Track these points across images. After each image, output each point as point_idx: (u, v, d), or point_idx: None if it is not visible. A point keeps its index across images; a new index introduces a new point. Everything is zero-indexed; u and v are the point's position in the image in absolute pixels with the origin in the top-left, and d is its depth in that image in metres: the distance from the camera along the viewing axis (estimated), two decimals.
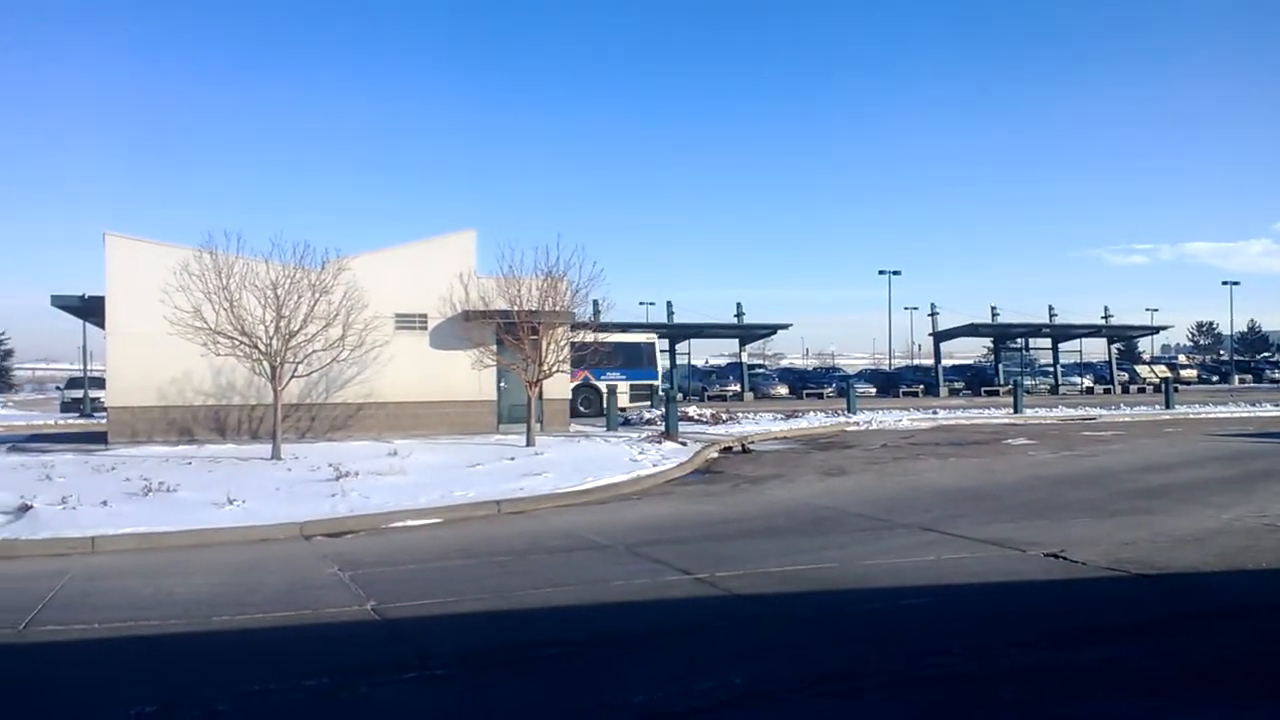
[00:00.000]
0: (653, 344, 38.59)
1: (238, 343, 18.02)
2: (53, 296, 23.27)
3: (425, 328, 23.12)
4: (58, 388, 62.25)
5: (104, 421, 25.01)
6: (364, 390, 22.28)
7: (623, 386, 36.01)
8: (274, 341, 18.04)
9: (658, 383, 38.22)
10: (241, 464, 16.81)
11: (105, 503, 12.35)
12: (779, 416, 30.63)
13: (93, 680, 6.15)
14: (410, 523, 12.31)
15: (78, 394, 45.03)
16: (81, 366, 49.99)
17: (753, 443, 23.18)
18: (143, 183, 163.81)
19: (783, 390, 52.15)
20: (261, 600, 8.15)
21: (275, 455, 17.50)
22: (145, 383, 20.80)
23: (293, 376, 18.82)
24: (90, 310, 24.16)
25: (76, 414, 41.23)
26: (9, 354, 77.89)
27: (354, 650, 6.63)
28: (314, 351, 18.73)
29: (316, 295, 18.73)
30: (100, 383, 43.88)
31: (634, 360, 37.49)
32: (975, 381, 54.86)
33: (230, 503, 12.53)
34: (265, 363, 18.15)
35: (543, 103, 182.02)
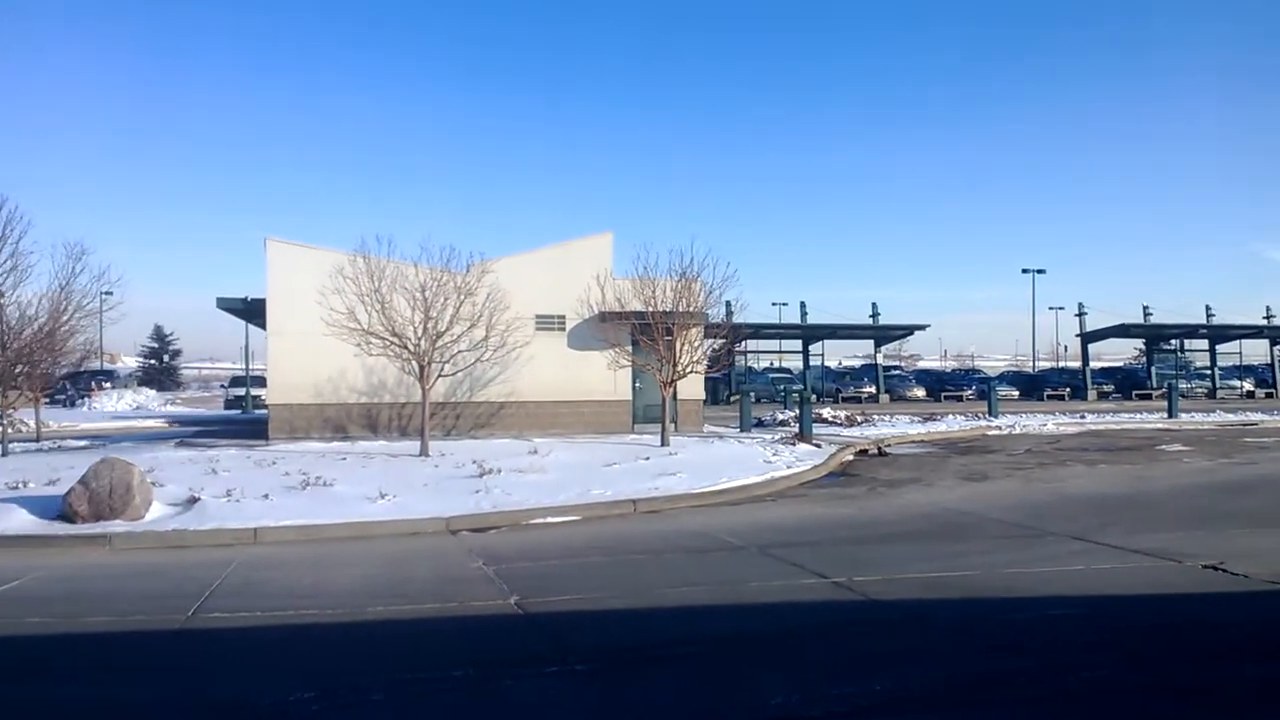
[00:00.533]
0: None
1: (389, 343, 18.69)
2: (218, 299, 24.67)
3: (563, 329, 23.51)
4: (222, 385, 65.69)
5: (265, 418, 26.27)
6: (505, 389, 22.79)
7: None
8: (422, 342, 18.63)
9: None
10: (392, 460, 17.42)
11: (267, 496, 12.99)
12: (916, 419, 29.95)
13: (255, 666, 6.46)
14: (550, 519, 12.54)
15: (240, 392, 47.35)
16: (243, 365, 52.59)
17: (889, 446, 22.75)
18: (300, 187, 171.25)
19: (919, 392, 50.89)
20: (412, 592, 8.44)
21: (423, 452, 18.08)
22: (303, 381, 21.77)
23: (439, 376, 19.40)
24: (252, 312, 25.44)
25: (239, 410, 43.38)
26: (177, 354, 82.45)
27: (498, 643, 6.80)
28: (459, 352, 19.28)
29: (462, 297, 19.27)
30: (261, 381, 46.14)
31: None
32: (1125, 385, 52.39)
33: (382, 497, 13.01)
34: (414, 362, 18.77)
35: (678, 105, 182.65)
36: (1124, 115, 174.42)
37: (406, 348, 18.66)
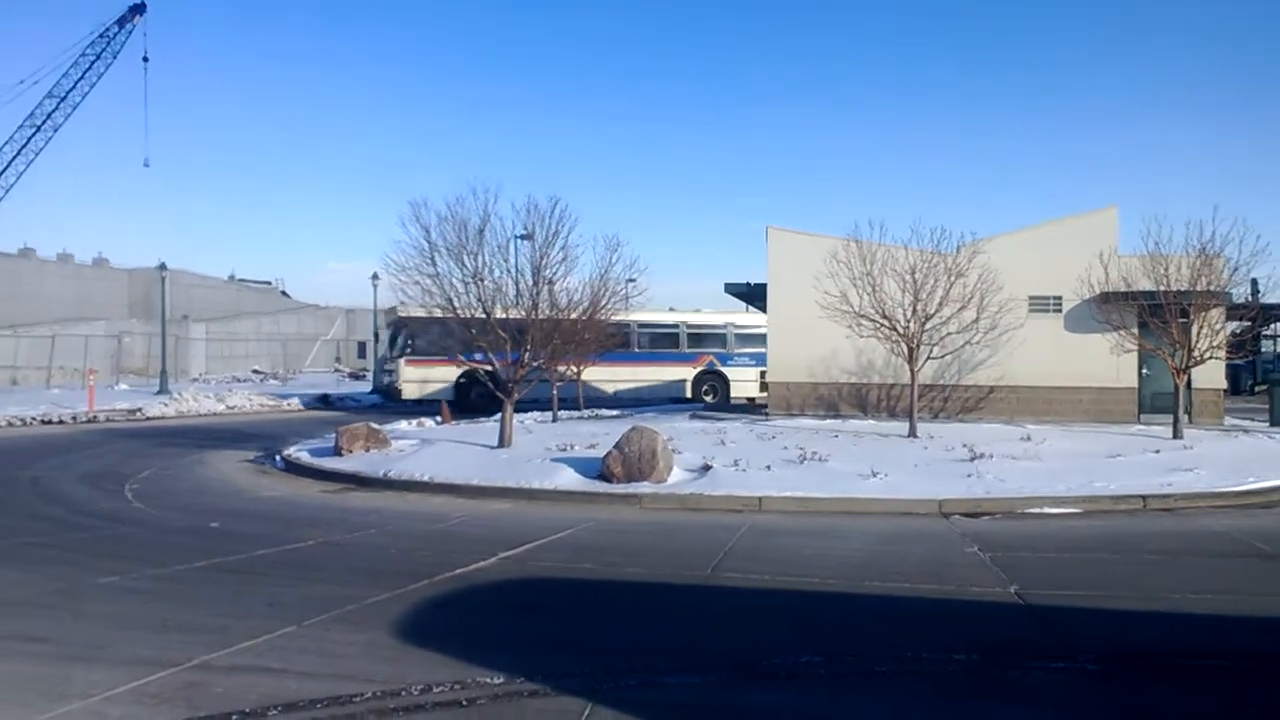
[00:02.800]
0: None
1: (878, 325, 18.74)
2: (725, 284, 26.60)
3: (1059, 310, 21.94)
4: None
5: (763, 395, 27.70)
6: (995, 373, 21.81)
7: (750, 374, 32.16)
8: (911, 324, 18.45)
9: None
10: (881, 439, 17.47)
11: (768, 467, 13.66)
12: None
13: (764, 625, 6.86)
14: (1047, 510, 11.82)
15: None
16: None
17: None
18: (798, 172, 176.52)
19: None
20: (907, 570, 8.43)
21: (911, 433, 17.91)
22: (797, 361, 22.55)
23: (928, 358, 19.08)
24: (754, 295, 26.91)
25: None
26: None
27: (998, 631, 6.58)
28: (948, 334, 18.81)
29: (951, 279, 18.76)
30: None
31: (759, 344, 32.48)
32: None
33: (874, 475, 13.11)
34: (903, 344, 18.64)
35: (1186, 65, 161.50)
36: None
37: (896, 330, 18.58)
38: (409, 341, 29.53)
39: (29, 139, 56.53)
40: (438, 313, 17.29)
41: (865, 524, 11.02)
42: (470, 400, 28.58)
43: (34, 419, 26.20)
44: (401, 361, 29.51)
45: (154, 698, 5.06)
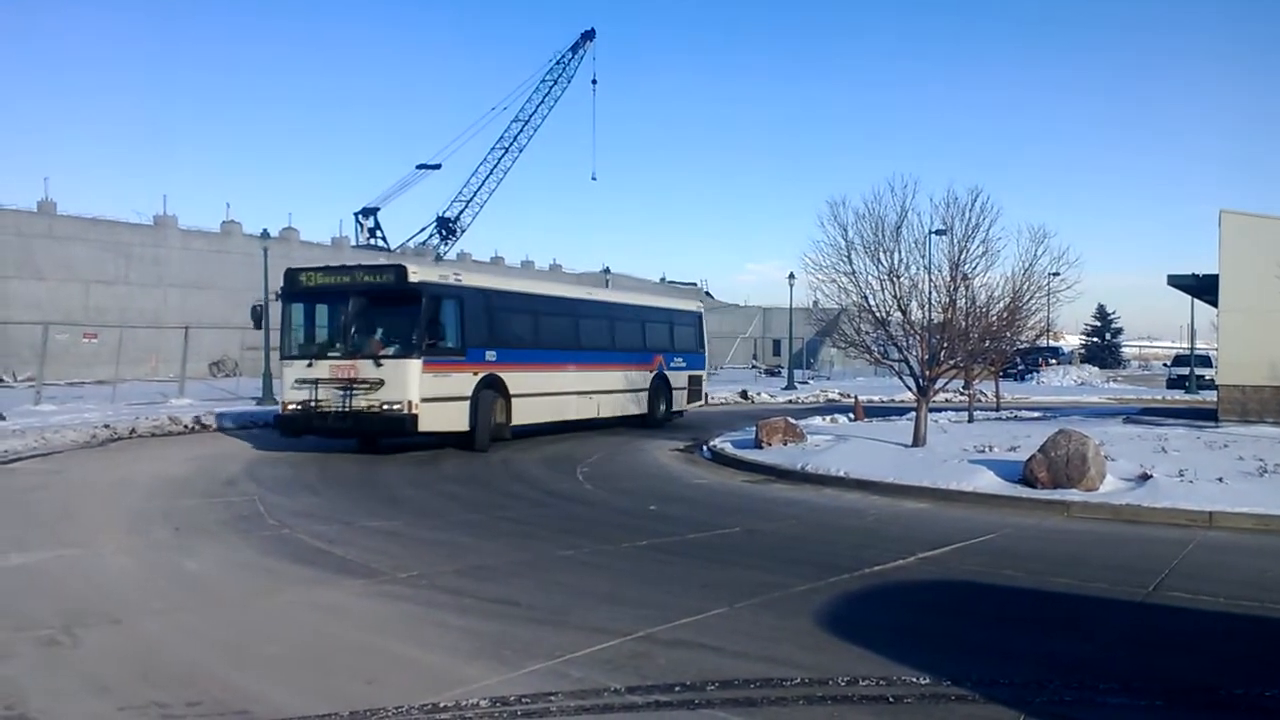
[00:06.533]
0: (698, 315, 24.29)
1: None
2: (1169, 276, 23.81)
3: None
4: (1164, 365, 63.24)
5: (1211, 398, 24.63)
6: None
7: (679, 379, 24.27)
8: None
9: (703, 374, 25.83)
10: None
11: (1220, 479, 12.10)
12: None
13: (1218, 649, 6.20)
14: None
15: (1183, 371, 45.03)
16: (1186, 344, 49.81)
17: None
18: (1256, 161, 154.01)
19: None
20: None
21: None
22: (1257, 361, 19.76)
23: None
24: (1202, 288, 24.04)
25: (1181, 390, 41.25)
26: (1118, 332, 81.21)
27: None
28: None
29: None
30: (1203, 360, 43.16)
31: (682, 340, 24.77)
32: None
33: None
34: None
35: None
36: None
37: None
38: (429, 331, 16.23)
39: (499, 160, 64.90)
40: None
41: None
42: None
43: None
44: (416, 365, 15.92)
45: (607, 664, 5.58)
